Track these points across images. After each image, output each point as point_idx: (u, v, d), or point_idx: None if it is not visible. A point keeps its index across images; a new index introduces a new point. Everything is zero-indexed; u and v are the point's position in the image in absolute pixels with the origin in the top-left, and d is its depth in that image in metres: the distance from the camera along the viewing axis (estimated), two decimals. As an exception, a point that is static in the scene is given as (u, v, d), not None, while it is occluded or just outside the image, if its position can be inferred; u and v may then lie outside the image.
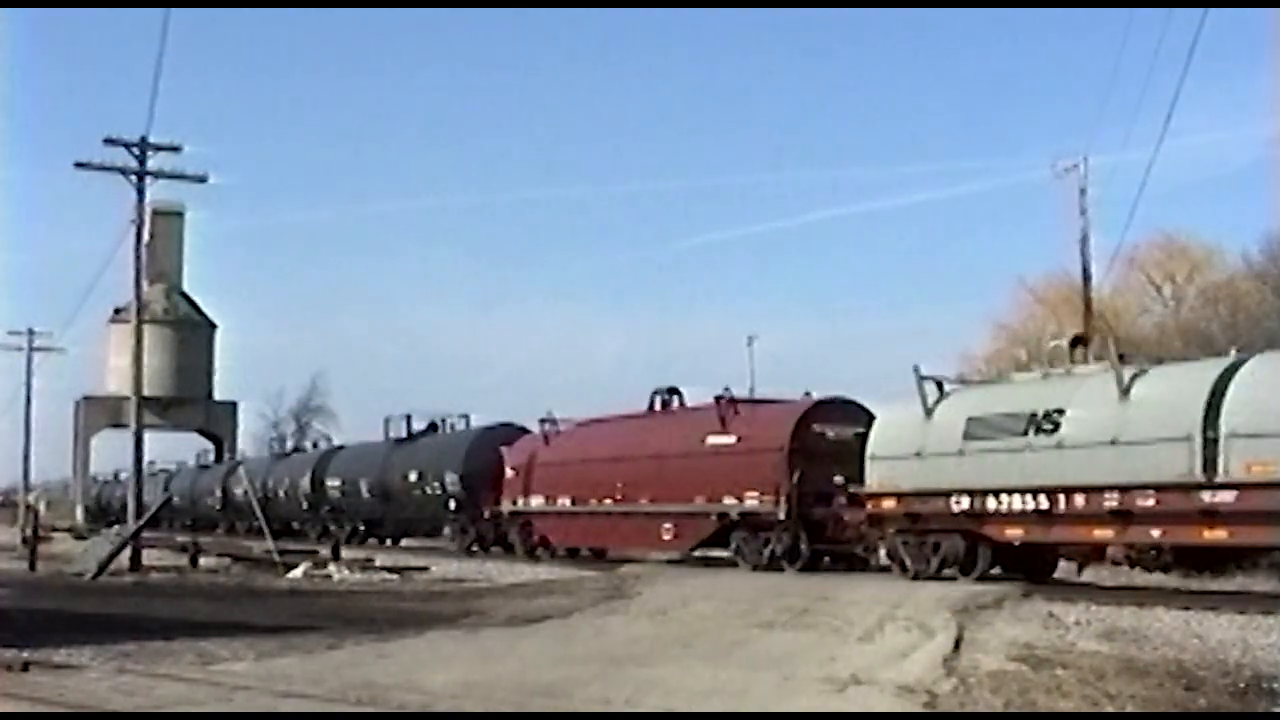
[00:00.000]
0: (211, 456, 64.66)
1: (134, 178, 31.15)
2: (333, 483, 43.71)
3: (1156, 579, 20.54)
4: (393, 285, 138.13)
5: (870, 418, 24.13)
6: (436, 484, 36.29)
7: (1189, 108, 72.33)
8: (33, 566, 30.41)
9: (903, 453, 21.44)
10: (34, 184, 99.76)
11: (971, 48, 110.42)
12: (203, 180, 32.72)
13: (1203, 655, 12.47)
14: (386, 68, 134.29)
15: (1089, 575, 21.39)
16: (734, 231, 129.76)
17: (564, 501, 30.17)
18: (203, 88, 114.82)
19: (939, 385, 21.97)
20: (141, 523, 30.54)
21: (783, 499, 23.80)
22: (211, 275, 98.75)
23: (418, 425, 40.77)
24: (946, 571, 20.59)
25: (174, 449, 68.23)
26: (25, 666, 12.33)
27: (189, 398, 70.19)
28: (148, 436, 35.29)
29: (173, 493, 57.12)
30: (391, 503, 39.95)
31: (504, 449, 33.28)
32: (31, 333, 61.37)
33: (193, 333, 71.60)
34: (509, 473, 32.27)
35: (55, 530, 48.86)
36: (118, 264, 34.37)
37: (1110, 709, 9.98)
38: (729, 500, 25.16)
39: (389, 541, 41.21)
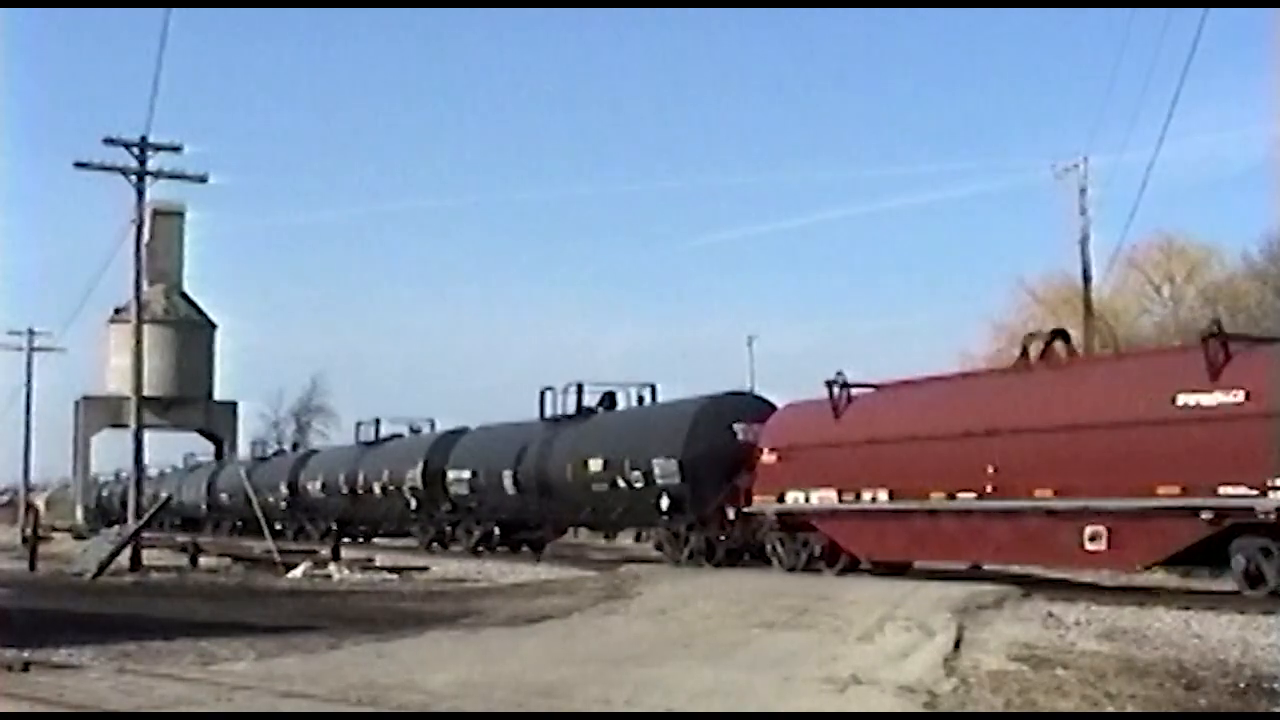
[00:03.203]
0: (272, 450, 59.58)
1: (134, 178, 31.19)
2: (457, 475, 34.66)
3: (1157, 579, 20.52)
4: (393, 285, 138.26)
5: None
6: (637, 475, 27.10)
7: (1197, 107, 72.52)
8: (33, 566, 30.39)
9: None
10: (34, 184, 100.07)
11: (972, 47, 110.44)
12: (203, 180, 32.78)
13: (1203, 655, 12.45)
14: (387, 68, 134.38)
15: (1089, 575, 21.33)
16: (735, 232, 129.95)
17: (875, 496, 21.66)
18: (203, 88, 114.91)
19: None
20: (142, 523, 30.56)
21: None
22: (211, 275, 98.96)
23: (571, 399, 31.36)
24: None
25: (176, 449, 68.41)
26: (25, 666, 12.32)
27: (189, 398, 70.20)
28: (147, 436, 35.30)
29: (221, 490, 51.64)
30: (552, 499, 30.93)
31: (741, 426, 25.53)
32: (31, 333, 61.81)
33: (193, 333, 71.59)
34: (766, 458, 24.05)
35: (55, 530, 48.83)
36: (118, 264, 34.51)
37: (1110, 709, 9.97)
38: (1234, 491, 16.52)
39: (524, 547, 33.33)
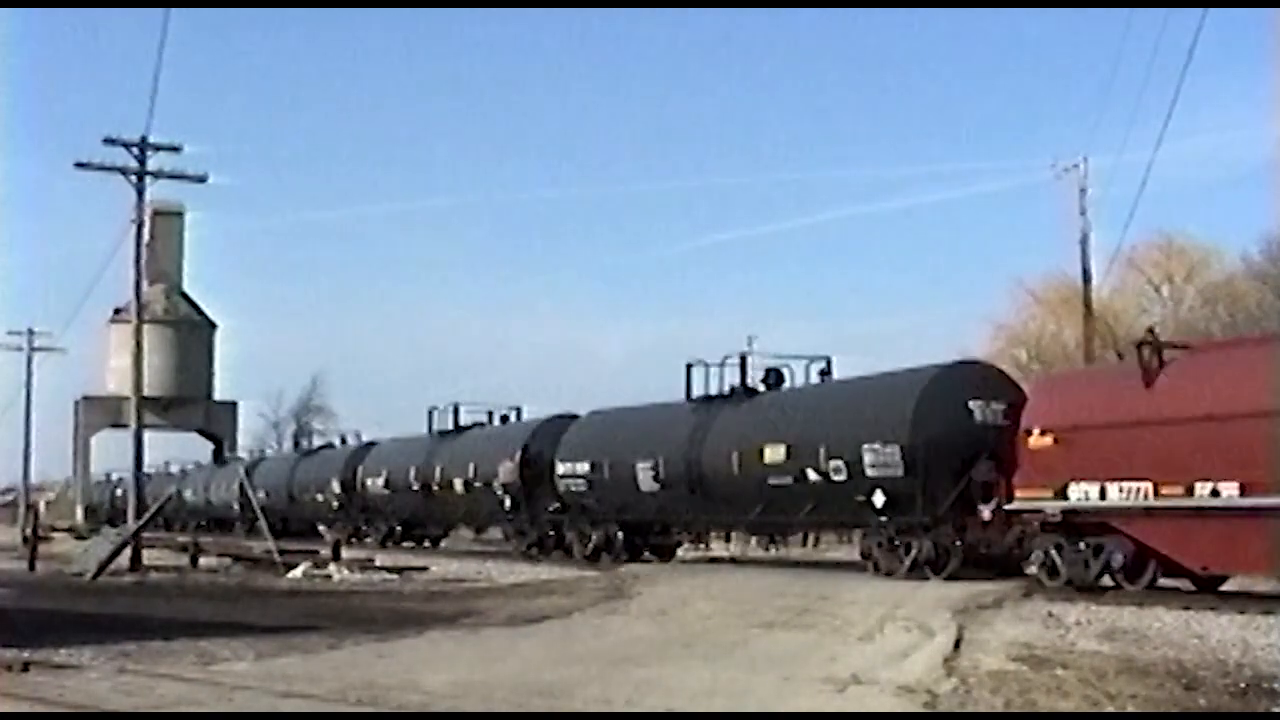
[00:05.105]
0: (307, 443, 56.20)
1: (134, 178, 31.23)
2: (570, 468, 29.16)
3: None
4: (394, 285, 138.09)
5: None
6: (837, 465, 22.03)
7: (1197, 107, 72.57)
8: (33, 566, 30.42)
9: None
10: (34, 184, 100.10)
11: (971, 48, 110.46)
12: (203, 180, 32.84)
13: (1203, 655, 12.47)
14: (387, 68, 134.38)
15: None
16: (736, 233, 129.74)
17: (1215, 489, 16.46)
18: (203, 88, 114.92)
19: None
20: (141, 523, 30.57)
21: None
22: (211, 275, 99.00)
23: (729, 376, 26.04)
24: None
25: (177, 450, 68.30)
26: (25, 666, 12.32)
27: (189, 398, 70.17)
28: (147, 436, 35.30)
29: (259, 487, 45.15)
30: (708, 496, 25.57)
31: (978, 404, 20.86)
32: (31, 333, 61.80)
33: (193, 333, 71.56)
34: (1036, 441, 18.92)
35: (55, 530, 48.81)
36: (118, 264, 34.56)
37: (1110, 709, 9.97)
38: None
39: (646, 554, 28.17)
